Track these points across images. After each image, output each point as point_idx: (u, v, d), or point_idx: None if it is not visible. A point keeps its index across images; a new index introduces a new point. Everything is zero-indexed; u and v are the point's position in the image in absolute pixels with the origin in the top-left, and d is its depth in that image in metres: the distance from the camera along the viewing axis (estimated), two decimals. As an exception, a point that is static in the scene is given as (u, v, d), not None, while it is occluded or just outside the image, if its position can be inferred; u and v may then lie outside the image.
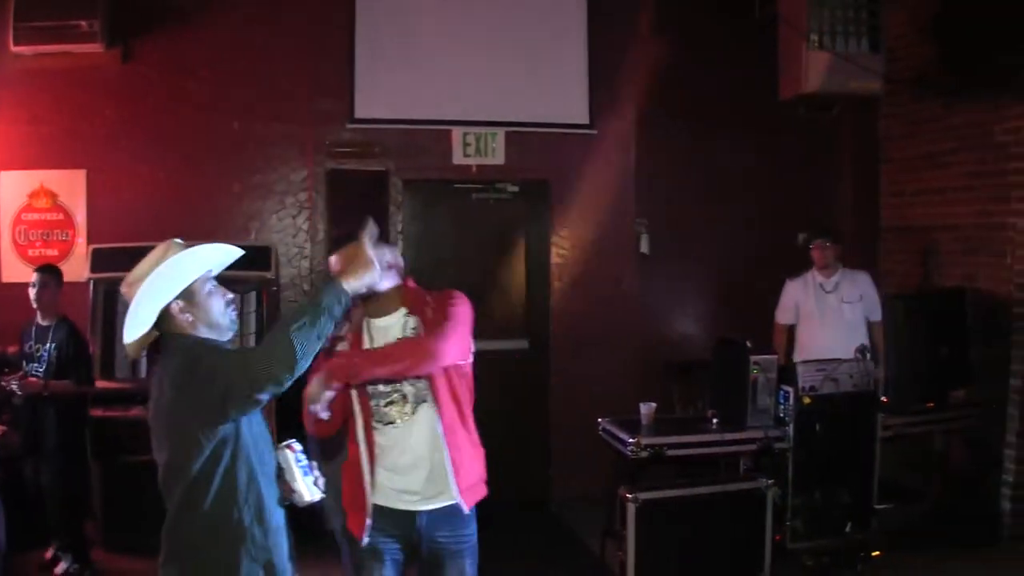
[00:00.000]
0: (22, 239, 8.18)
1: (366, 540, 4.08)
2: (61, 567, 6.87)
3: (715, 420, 6.53)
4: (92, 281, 7.44)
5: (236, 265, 7.88)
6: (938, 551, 6.96)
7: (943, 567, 6.74)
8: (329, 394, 3.69)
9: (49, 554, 6.96)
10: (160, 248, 3.47)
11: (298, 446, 3.54)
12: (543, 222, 8.90)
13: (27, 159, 8.17)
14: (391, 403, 4.01)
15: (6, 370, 7.70)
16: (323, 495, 3.56)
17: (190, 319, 3.42)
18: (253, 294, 7.82)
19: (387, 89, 8.39)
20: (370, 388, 3.99)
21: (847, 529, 6.66)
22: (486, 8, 8.69)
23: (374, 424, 4.04)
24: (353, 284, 3.40)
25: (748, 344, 6.51)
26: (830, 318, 7.49)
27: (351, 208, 8.31)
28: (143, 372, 7.44)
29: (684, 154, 8.87)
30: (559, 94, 8.76)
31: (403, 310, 4.05)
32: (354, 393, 4.02)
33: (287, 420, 4.74)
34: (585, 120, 8.75)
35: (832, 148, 9.44)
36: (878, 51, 8.33)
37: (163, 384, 3.33)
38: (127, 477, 6.92)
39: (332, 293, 3.34)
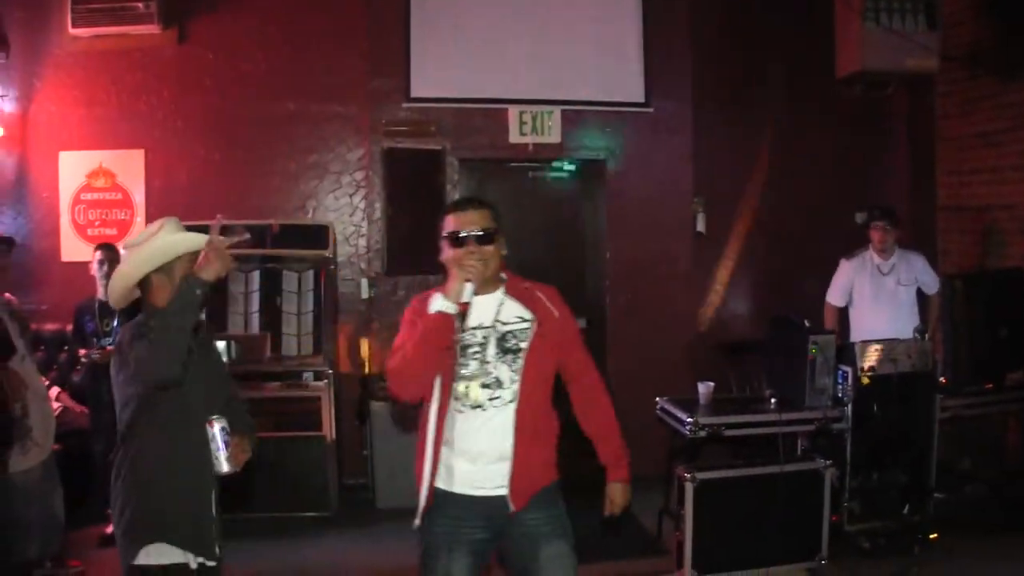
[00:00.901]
0: (81, 218, 8.29)
1: (417, 523, 4.00)
2: (111, 529, 6.99)
3: (773, 400, 6.50)
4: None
5: (294, 244, 8.03)
6: (994, 535, 6.91)
7: (999, 551, 6.66)
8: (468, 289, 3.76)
9: (110, 529, 7.05)
10: (159, 222, 3.94)
11: (220, 423, 3.84)
12: (599, 201, 8.89)
13: (86, 139, 8.29)
14: (485, 385, 3.90)
15: (64, 348, 7.85)
16: (233, 470, 3.89)
17: (163, 291, 3.88)
18: (311, 272, 7.90)
19: (442, 68, 8.39)
20: (461, 367, 3.89)
21: (904, 511, 6.64)
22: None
23: (458, 407, 3.91)
24: (205, 275, 3.64)
25: (806, 323, 6.49)
26: (885, 300, 7.45)
27: (407, 187, 8.38)
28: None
29: (739, 133, 8.88)
30: (614, 72, 8.71)
31: (501, 290, 4.00)
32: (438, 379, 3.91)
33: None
34: (641, 99, 8.70)
35: (887, 127, 9.39)
36: (935, 28, 8.24)
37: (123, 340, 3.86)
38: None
39: (184, 289, 3.65)
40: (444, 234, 3.90)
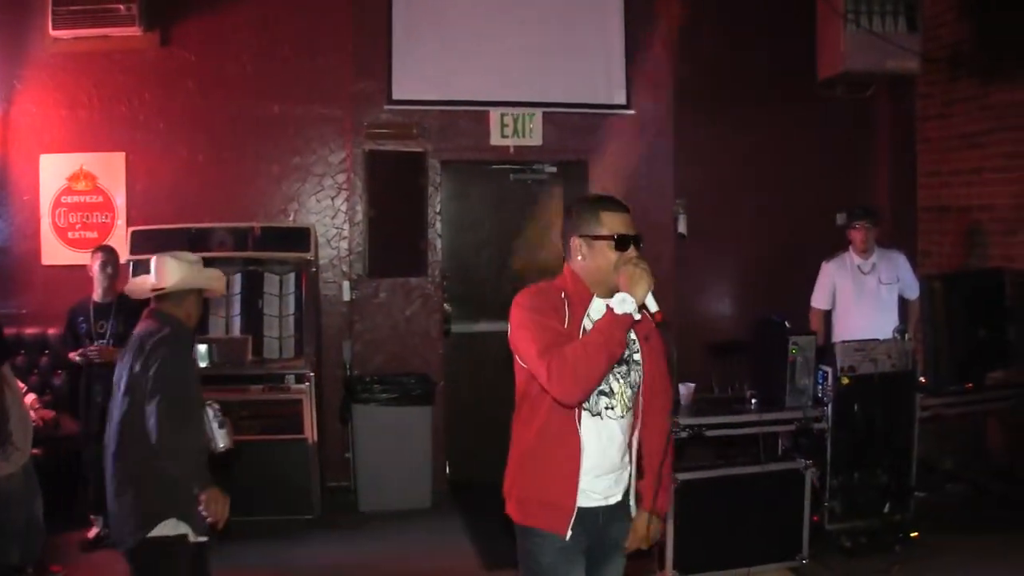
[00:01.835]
0: (62, 222, 8.25)
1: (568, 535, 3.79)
2: (94, 532, 7.03)
3: (754, 400, 6.51)
4: (132, 263, 7.49)
5: (275, 246, 8.05)
6: (975, 533, 6.95)
7: (980, 550, 6.69)
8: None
9: (92, 533, 7.04)
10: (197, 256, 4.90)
11: (214, 406, 4.60)
12: (581, 202, 8.85)
13: (66, 142, 8.26)
14: (603, 394, 3.75)
15: (45, 352, 7.83)
16: (228, 447, 4.60)
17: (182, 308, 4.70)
18: (292, 275, 7.90)
19: (424, 70, 8.38)
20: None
21: (885, 510, 6.66)
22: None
23: (591, 414, 3.76)
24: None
25: (787, 324, 6.51)
26: (868, 299, 7.48)
27: (389, 189, 8.36)
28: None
29: (721, 134, 8.89)
30: (596, 74, 8.72)
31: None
32: None
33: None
34: (623, 100, 8.71)
35: (869, 128, 9.42)
36: (915, 30, 8.27)
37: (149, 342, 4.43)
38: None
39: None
40: (600, 234, 3.70)
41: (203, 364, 7.02)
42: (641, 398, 3.86)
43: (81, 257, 7.67)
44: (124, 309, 6.92)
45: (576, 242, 3.74)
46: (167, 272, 4.68)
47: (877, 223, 7.56)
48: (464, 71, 8.46)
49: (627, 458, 3.88)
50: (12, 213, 8.24)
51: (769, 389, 6.51)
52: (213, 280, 4.93)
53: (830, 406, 6.46)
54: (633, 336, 3.79)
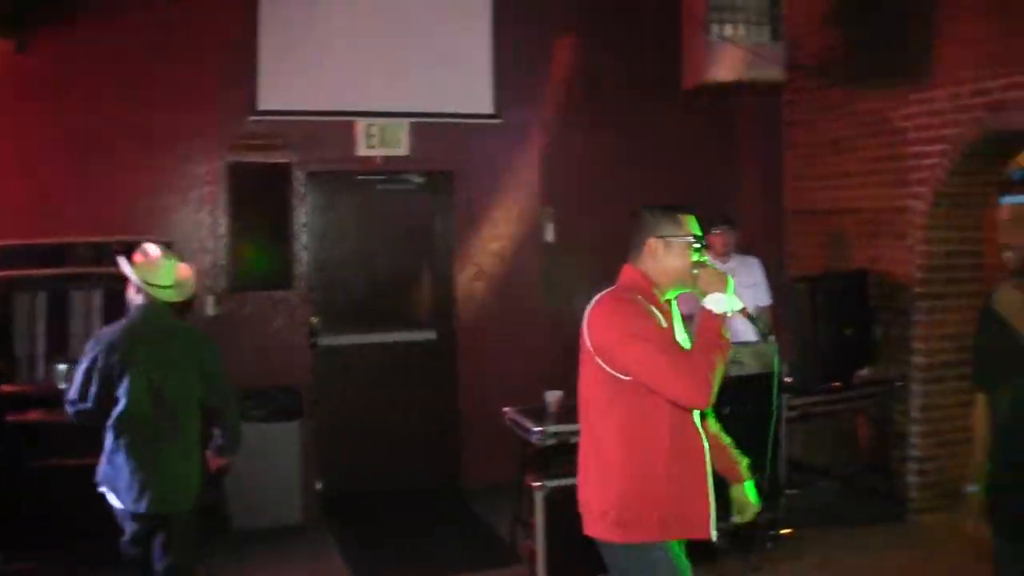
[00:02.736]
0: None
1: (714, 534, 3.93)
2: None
3: (622, 405, 6.50)
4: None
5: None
6: (848, 527, 7.11)
7: (853, 543, 6.85)
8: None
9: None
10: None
11: None
12: (448, 212, 8.88)
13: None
14: None
15: None
16: None
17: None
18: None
19: (291, 80, 8.24)
20: None
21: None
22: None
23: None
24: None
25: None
26: (727, 304, 7.54)
27: (254, 201, 8.21)
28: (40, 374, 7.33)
29: (589, 143, 8.96)
30: (464, 84, 8.72)
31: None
32: None
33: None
34: (490, 110, 8.72)
35: (737, 134, 9.57)
36: (778, 38, 8.38)
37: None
38: (31, 480, 6.86)
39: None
40: (681, 235, 3.83)
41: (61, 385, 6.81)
42: None
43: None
44: None
45: (653, 243, 3.83)
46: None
47: (735, 228, 7.69)
48: (331, 81, 8.35)
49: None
50: None
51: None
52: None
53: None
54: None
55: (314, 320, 8.46)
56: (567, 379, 7.28)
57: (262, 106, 8.20)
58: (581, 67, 8.91)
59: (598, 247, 8.82)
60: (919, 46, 7.41)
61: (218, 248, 8.22)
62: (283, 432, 7.80)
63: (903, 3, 7.62)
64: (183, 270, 5.42)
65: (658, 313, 3.72)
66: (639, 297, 3.75)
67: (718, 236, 7.57)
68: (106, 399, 5.03)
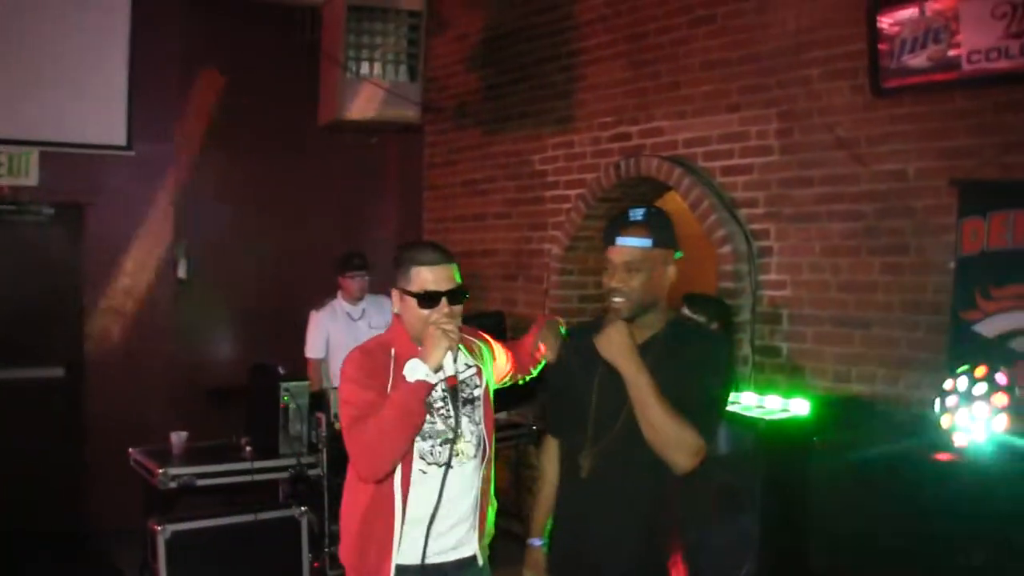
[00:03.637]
0: None
1: None
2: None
3: (248, 448, 6.49)
4: None
5: None
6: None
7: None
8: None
9: None
10: None
11: None
12: (78, 245, 8.53)
13: None
14: (450, 440, 3.52)
15: None
16: None
17: None
18: None
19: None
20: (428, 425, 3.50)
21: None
22: (25, 24, 8.17)
23: (423, 466, 3.51)
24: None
25: (280, 370, 6.54)
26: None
27: None
28: None
29: (227, 178, 8.87)
30: (97, 114, 8.42)
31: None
32: None
33: None
34: (123, 142, 8.45)
35: (380, 173, 9.71)
36: (415, 80, 8.55)
37: None
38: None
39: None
40: (409, 289, 3.47)
41: None
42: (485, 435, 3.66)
43: None
44: None
45: (395, 295, 3.55)
46: None
47: (368, 272, 7.74)
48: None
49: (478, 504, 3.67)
50: None
51: (264, 436, 6.48)
52: None
53: (324, 452, 6.45)
54: (472, 371, 3.65)
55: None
56: (199, 419, 7.29)
57: None
58: (220, 104, 8.81)
59: (236, 284, 8.88)
60: (561, 90, 7.74)
61: None
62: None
63: (546, 47, 7.93)
64: None
65: (395, 369, 3.49)
66: (384, 351, 3.58)
67: (355, 280, 7.67)
68: None
